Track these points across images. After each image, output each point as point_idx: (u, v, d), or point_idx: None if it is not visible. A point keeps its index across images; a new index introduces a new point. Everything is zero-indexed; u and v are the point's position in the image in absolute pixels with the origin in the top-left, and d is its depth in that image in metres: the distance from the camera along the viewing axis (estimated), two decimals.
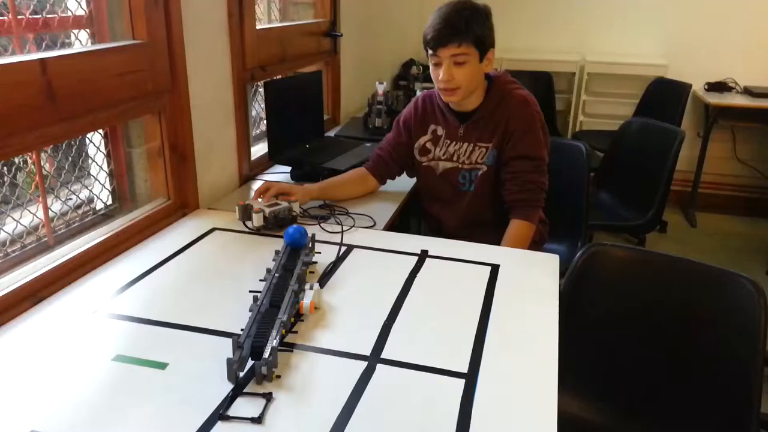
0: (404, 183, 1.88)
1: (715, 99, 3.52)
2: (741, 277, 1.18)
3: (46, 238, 1.34)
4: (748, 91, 3.59)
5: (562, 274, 1.35)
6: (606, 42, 3.95)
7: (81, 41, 1.42)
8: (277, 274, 1.20)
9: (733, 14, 3.67)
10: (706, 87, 3.71)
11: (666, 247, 3.32)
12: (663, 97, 3.56)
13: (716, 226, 3.72)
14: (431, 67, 1.63)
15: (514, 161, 1.65)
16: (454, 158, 1.73)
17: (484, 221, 1.74)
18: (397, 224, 1.72)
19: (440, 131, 1.75)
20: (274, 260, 1.30)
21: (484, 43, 1.58)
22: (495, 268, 1.35)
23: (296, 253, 1.30)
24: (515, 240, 1.62)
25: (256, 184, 1.92)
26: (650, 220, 2.44)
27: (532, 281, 1.30)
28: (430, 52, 1.60)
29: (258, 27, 1.96)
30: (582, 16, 3.94)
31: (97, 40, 1.43)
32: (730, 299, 1.19)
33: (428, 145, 1.76)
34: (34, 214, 1.33)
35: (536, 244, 1.75)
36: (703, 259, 1.29)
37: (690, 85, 3.43)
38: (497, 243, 1.59)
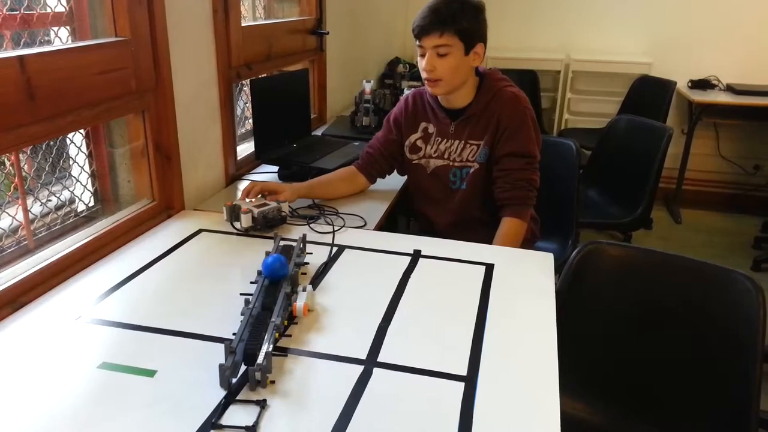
0: (394, 182, 1.86)
1: (698, 96, 3.54)
2: (739, 274, 1.18)
3: (26, 242, 1.29)
4: (731, 89, 3.63)
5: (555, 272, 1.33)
6: (590, 40, 3.97)
7: (61, 38, 1.37)
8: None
9: (717, 12, 3.71)
10: (690, 84, 3.74)
11: (652, 244, 3.34)
12: (647, 94, 3.58)
13: (700, 222, 3.76)
14: (418, 58, 1.63)
15: (506, 159, 1.64)
16: (445, 156, 1.70)
17: (475, 220, 1.72)
18: (384, 224, 1.69)
19: (431, 129, 1.72)
20: None
21: (470, 36, 1.56)
22: (489, 268, 1.33)
23: (287, 255, 1.27)
24: (507, 238, 1.60)
25: (243, 184, 1.88)
26: (639, 218, 2.44)
27: (528, 280, 1.29)
28: (416, 42, 1.60)
29: (243, 24, 1.92)
30: (566, 14, 3.96)
31: (78, 37, 1.39)
32: (728, 296, 1.18)
33: (419, 142, 1.74)
34: (13, 217, 1.28)
35: (528, 242, 1.74)
36: (688, 255, 1.29)
37: (674, 83, 3.46)
38: (489, 242, 1.57)
